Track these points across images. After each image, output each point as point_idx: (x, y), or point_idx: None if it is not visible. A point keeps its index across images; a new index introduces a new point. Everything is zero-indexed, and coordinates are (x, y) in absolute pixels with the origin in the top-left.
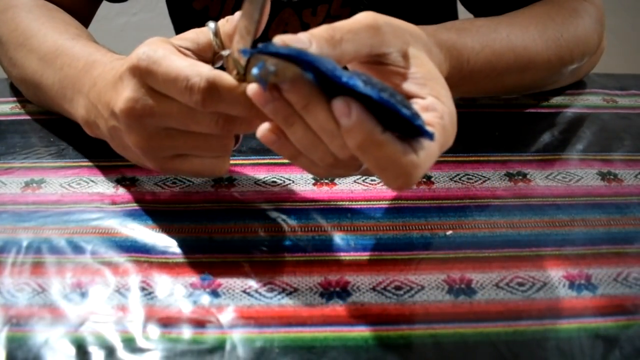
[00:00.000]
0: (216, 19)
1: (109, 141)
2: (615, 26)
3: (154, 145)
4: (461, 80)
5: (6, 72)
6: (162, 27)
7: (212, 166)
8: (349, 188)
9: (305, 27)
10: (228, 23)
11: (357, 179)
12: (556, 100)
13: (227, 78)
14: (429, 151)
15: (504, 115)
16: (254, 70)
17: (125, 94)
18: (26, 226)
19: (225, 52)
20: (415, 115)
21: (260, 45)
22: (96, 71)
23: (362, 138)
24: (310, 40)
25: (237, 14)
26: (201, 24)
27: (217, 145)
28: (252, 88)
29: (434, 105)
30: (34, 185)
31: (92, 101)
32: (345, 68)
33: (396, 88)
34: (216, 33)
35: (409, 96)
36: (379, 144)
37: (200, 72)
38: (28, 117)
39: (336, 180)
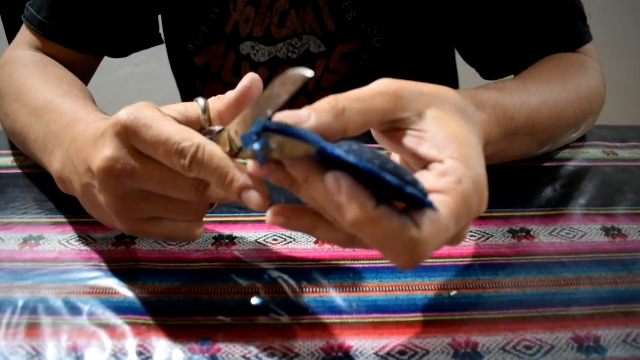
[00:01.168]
0: (217, 75)
1: (80, 198)
2: (615, 76)
3: (128, 207)
4: (506, 139)
5: (1, 125)
6: (166, 78)
7: (185, 231)
8: None
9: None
10: (219, 102)
11: None
12: (557, 154)
13: (218, 148)
14: (436, 224)
15: (505, 170)
16: (256, 146)
17: (106, 152)
18: (23, 285)
19: (216, 128)
20: (408, 183)
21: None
22: (79, 128)
23: (354, 215)
24: (309, 115)
25: (230, 94)
26: (203, 79)
27: (192, 210)
28: (251, 165)
29: (452, 170)
30: (32, 242)
31: (70, 156)
32: (356, 138)
33: (412, 153)
34: (205, 110)
35: (426, 160)
36: (372, 220)
37: (192, 137)
38: (28, 171)
39: None
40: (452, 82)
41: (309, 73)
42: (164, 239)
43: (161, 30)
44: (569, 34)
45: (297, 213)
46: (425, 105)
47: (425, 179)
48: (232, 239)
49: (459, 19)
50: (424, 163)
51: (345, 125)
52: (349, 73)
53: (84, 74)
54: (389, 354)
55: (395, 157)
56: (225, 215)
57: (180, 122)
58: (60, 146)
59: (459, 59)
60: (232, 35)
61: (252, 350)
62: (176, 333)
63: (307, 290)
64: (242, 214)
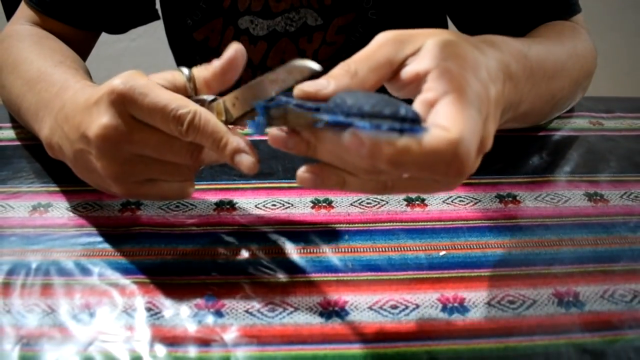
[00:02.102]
0: (216, 50)
1: (71, 164)
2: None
3: (125, 171)
4: (526, 80)
5: (1, 97)
6: (161, 52)
7: (179, 190)
8: (346, 211)
9: (301, 54)
10: (206, 70)
11: (354, 202)
12: (546, 124)
13: (212, 115)
14: (459, 118)
15: (494, 139)
16: (260, 118)
17: (103, 119)
18: (34, 249)
19: (207, 97)
20: (402, 120)
21: (275, 98)
22: (67, 95)
23: (388, 155)
24: (328, 82)
25: (216, 62)
26: (202, 54)
27: (185, 171)
28: (273, 134)
29: (444, 72)
30: (41, 209)
31: (59, 122)
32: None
33: (415, 76)
34: (190, 78)
35: (416, 77)
36: (404, 148)
37: (188, 104)
38: (33, 142)
39: (333, 204)
40: None
41: (316, 66)
42: (159, 199)
43: (157, 6)
44: (560, 4)
45: (325, 169)
46: (424, 39)
47: (425, 92)
48: (232, 205)
49: None
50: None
51: (362, 83)
52: (344, 45)
53: (82, 50)
54: (381, 307)
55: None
56: (226, 182)
57: (168, 89)
58: (50, 113)
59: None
60: (230, 10)
61: (254, 306)
62: (182, 291)
63: (305, 251)
64: (241, 182)
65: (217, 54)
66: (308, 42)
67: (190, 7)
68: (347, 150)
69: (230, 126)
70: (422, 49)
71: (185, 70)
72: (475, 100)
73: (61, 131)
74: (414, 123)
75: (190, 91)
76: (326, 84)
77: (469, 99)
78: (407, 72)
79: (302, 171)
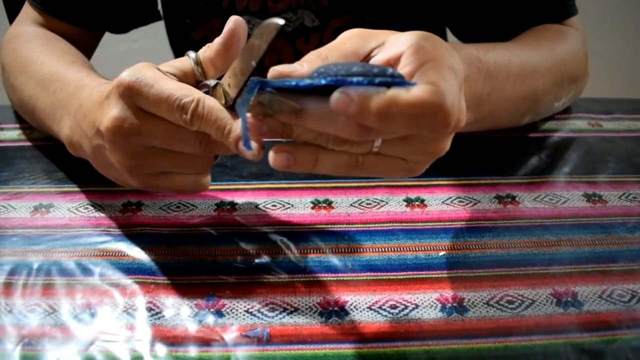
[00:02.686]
0: None
1: (92, 160)
2: (601, 50)
3: (139, 164)
4: (483, 80)
5: (9, 98)
6: (163, 53)
7: (193, 183)
8: (345, 211)
9: (298, 55)
10: (209, 50)
11: (354, 203)
12: (543, 124)
13: (215, 102)
14: (438, 78)
15: (494, 140)
16: (242, 109)
17: (112, 112)
18: (36, 249)
19: (210, 82)
20: (376, 75)
21: (253, 79)
22: (84, 93)
23: (377, 107)
24: (301, 64)
25: (218, 40)
26: None
27: (199, 163)
28: (246, 120)
29: (406, 48)
30: (43, 209)
31: (78, 121)
32: None
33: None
34: (197, 62)
35: (389, 63)
36: (392, 100)
37: (192, 93)
38: (35, 143)
39: (333, 204)
40: None
41: (280, 21)
42: (175, 192)
43: (159, 7)
44: (555, 7)
45: (297, 147)
46: (388, 34)
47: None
48: (233, 205)
49: None
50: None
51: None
52: None
53: (85, 50)
54: (381, 307)
55: None
56: (226, 183)
57: (178, 77)
58: (68, 112)
59: (450, 36)
60: (228, 10)
61: (255, 306)
62: (183, 291)
63: (305, 251)
64: (242, 182)
65: None
66: (305, 43)
67: (189, 7)
68: (331, 118)
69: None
70: (386, 42)
71: (192, 54)
72: (451, 68)
73: (80, 130)
74: (402, 79)
75: (199, 75)
76: (300, 67)
77: (447, 65)
78: (376, 61)
79: (274, 150)
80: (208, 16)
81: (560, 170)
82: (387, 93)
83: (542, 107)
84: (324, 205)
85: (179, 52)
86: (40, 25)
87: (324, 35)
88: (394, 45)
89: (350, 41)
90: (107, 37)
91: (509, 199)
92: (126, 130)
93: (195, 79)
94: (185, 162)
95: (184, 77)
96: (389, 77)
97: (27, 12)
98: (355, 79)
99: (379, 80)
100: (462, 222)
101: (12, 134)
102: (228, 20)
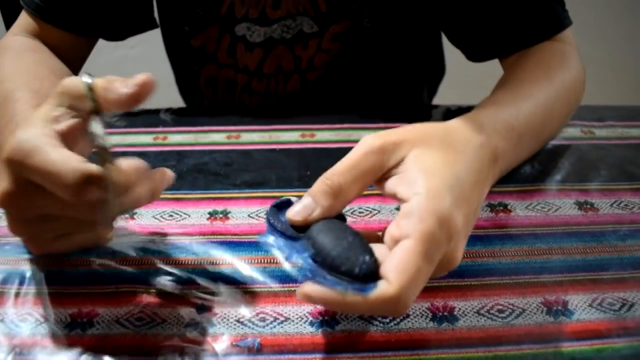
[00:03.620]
0: (213, 56)
1: None
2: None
3: (35, 231)
4: (515, 148)
5: None
6: (159, 60)
7: (94, 239)
8: None
9: (297, 61)
10: (110, 90)
11: (346, 211)
12: None
13: (96, 169)
14: (406, 272)
15: None
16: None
17: (2, 184)
18: (29, 257)
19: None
20: (350, 275)
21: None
22: (1, 135)
23: (336, 308)
24: (314, 207)
25: (123, 89)
26: (198, 60)
27: (94, 222)
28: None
29: (415, 208)
30: None
31: None
32: None
33: (393, 196)
34: (90, 88)
35: (403, 200)
36: (352, 303)
37: (73, 167)
38: None
39: None
40: (438, 64)
41: (88, 79)
42: (77, 250)
43: (156, 14)
44: (550, 18)
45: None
46: (409, 149)
47: (394, 224)
48: (225, 214)
49: (445, 2)
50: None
51: (346, 199)
52: (340, 52)
53: (79, 56)
54: (372, 317)
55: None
56: (219, 191)
57: (71, 107)
58: None
59: (445, 42)
60: (227, 17)
61: (245, 315)
62: (174, 300)
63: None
64: (235, 191)
65: (214, 60)
66: (304, 49)
67: (187, 14)
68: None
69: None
70: (404, 161)
71: (86, 78)
72: (430, 244)
73: None
74: (366, 280)
75: (90, 103)
76: (313, 209)
77: (425, 247)
78: (388, 188)
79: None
80: (206, 23)
81: (552, 178)
82: (345, 298)
83: (555, 135)
84: None
85: (175, 59)
86: (33, 34)
87: (322, 41)
88: (403, 182)
89: (369, 158)
90: (103, 43)
91: (501, 207)
92: (17, 204)
93: (83, 106)
94: (81, 223)
95: (71, 101)
96: (350, 281)
97: (20, 22)
98: (321, 279)
99: (342, 286)
100: None
101: None
102: (138, 76)
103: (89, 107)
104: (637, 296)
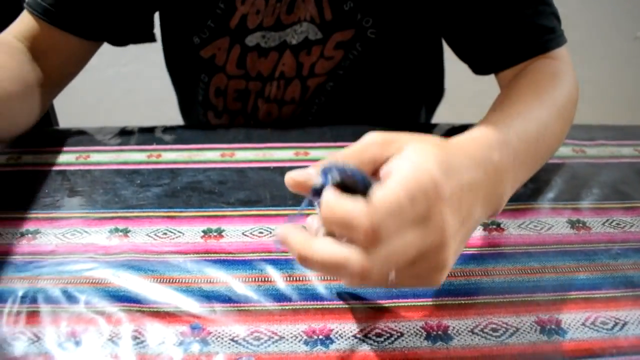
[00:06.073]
0: (222, 68)
1: None
2: (588, 76)
3: None
4: (508, 157)
5: None
6: (152, 78)
7: None
8: None
9: (299, 66)
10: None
11: None
12: None
13: None
14: (386, 195)
15: None
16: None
17: None
18: (22, 276)
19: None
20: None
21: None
22: None
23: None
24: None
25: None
26: (208, 71)
27: None
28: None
29: (400, 157)
30: (29, 235)
31: None
32: None
33: (382, 174)
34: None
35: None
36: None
37: None
38: (22, 169)
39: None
40: (437, 85)
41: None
42: None
43: (156, 30)
44: (546, 34)
45: None
46: (407, 142)
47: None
48: (219, 232)
49: (449, 15)
50: None
51: None
52: (342, 61)
53: (81, 60)
54: (366, 336)
55: None
56: (213, 209)
57: None
58: None
59: (447, 55)
60: (238, 29)
61: (240, 334)
62: (168, 318)
63: (291, 279)
64: (229, 209)
65: (223, 71)
66: (307, 55)
67: (198, 25)
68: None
69: None
70: (403, 150)
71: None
72: (415, 186)
73: None
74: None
75: None
76: (314, 174)
77: (407, 184)
78: (383, 172)
79: None
80: (217, 35)
81: (545, 197)
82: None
83: (553, 153)
84: None
85: (179, 72)
86: (27, 39)
87: (325, 48)
88: (401, 160)
89: (372, 148)
90: (96, 60)
91: (494, 226)
92: None
93: None
94: None
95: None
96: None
97: (16, 26)
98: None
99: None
100: None
101: (0, 159)
102: None
103: None
104: (629, 315)
